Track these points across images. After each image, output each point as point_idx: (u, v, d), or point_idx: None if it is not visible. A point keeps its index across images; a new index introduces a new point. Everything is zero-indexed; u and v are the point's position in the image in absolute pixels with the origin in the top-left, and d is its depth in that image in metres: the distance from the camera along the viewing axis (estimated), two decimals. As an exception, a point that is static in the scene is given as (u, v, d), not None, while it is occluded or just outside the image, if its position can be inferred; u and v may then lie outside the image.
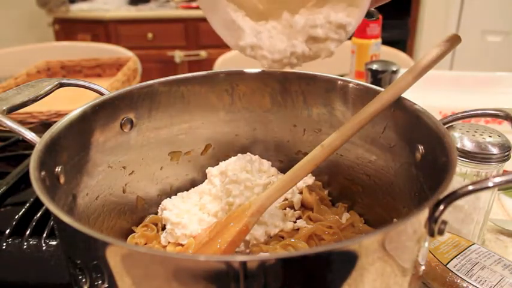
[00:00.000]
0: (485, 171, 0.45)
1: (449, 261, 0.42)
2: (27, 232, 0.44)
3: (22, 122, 0.78)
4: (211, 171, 0.50)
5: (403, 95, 0.39)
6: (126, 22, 2.14)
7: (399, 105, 0.39)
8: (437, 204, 0.27)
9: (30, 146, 0.35)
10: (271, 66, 0.30)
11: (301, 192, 0.50)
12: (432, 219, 0.28)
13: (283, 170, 0.52)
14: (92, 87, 0.45)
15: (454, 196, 0.28)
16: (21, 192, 0.53)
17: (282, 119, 0.51)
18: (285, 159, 0.53)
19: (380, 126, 0.42)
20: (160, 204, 0.49)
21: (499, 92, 0.87)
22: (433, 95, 0.79)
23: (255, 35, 0.30)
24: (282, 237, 0.44)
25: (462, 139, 0.45)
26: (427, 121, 0.36)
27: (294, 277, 0.24)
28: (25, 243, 0.44)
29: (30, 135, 0.36)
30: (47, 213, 0.46)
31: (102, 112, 0.42)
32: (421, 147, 0.37)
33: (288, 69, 0.31)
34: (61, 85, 0.44)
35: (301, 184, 0.50)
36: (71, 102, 0.80)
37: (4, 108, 0.38)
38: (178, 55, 2.17)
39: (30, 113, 0.81)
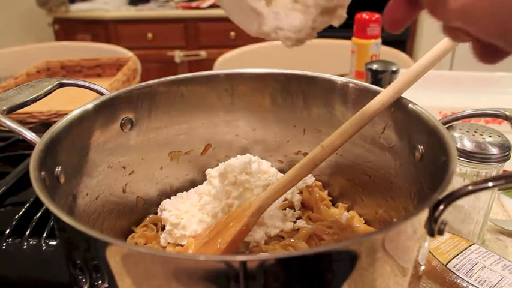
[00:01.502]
0: (485, 171, 0.45)
1: (449, 261, 0.42)
2: (27, 232, 0.44)
3: (22, 122, 0.78)
4: (210, 172, 0.50)
5: (403, 95, 0.39)
6: (126, 22, 2.14)
7: (399, 105, 0.39)
8: (437, 204, 0.27)
9: (30, 146, 0.35)
10: (294, 45, 0.30)
11: (301, 192, 0.50)
12: (432, 219, 0.28)
13: (283, 170, 0.52)
14: (92, 87, 0.46)
15: (454, 196, 0.28)
16: (21, 192, 0.53)
17: (282, 119, 0.51)
18: (285, 159, 0.53)
19: (380, 126, 0.42)
20: (160, 204, 0.49)
21: (499, 92, 0.87)
22: (433, 95, 0.79)
23: (274, 17, 0.30)
24: (282, 238, 0.44)
25: (462, 139, 0.45)
26: (427, 121, 0.36)
27: (294, 277, 0.24)
28: (25, 243, 0.44)
29: (30, 135, 0.36)
30: (47, 213, 0.46)
31: (102, 112, 0.42)
32: (421, 147, 0.37)
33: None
34: (61, 85, 0.44)
35: (301, 184, 0.50)
36: (71, 102, 0.80)
37: (4, 108, 0.38)
38: (178, 55, 2.17)
39: (30, 113, 0.81)
